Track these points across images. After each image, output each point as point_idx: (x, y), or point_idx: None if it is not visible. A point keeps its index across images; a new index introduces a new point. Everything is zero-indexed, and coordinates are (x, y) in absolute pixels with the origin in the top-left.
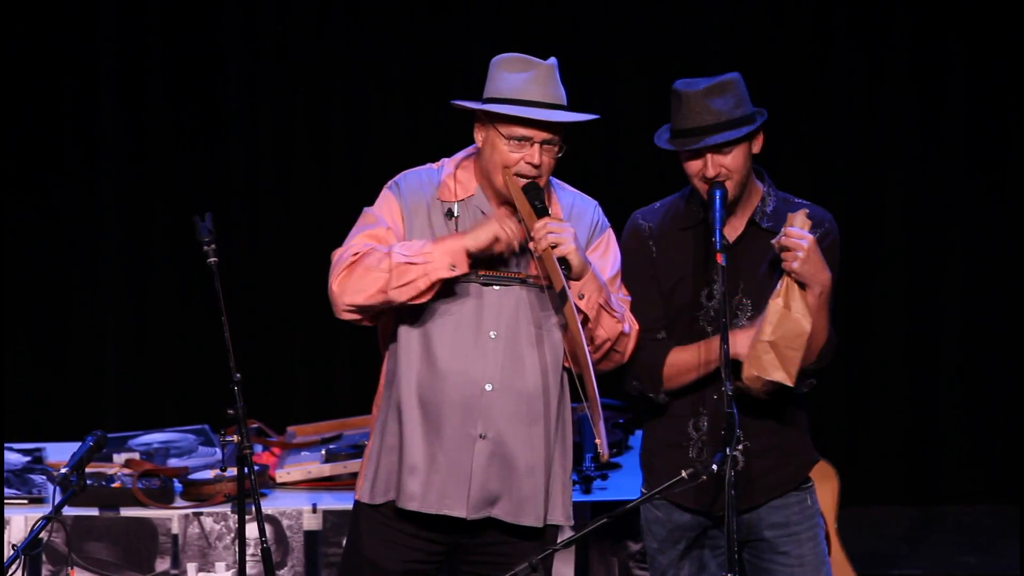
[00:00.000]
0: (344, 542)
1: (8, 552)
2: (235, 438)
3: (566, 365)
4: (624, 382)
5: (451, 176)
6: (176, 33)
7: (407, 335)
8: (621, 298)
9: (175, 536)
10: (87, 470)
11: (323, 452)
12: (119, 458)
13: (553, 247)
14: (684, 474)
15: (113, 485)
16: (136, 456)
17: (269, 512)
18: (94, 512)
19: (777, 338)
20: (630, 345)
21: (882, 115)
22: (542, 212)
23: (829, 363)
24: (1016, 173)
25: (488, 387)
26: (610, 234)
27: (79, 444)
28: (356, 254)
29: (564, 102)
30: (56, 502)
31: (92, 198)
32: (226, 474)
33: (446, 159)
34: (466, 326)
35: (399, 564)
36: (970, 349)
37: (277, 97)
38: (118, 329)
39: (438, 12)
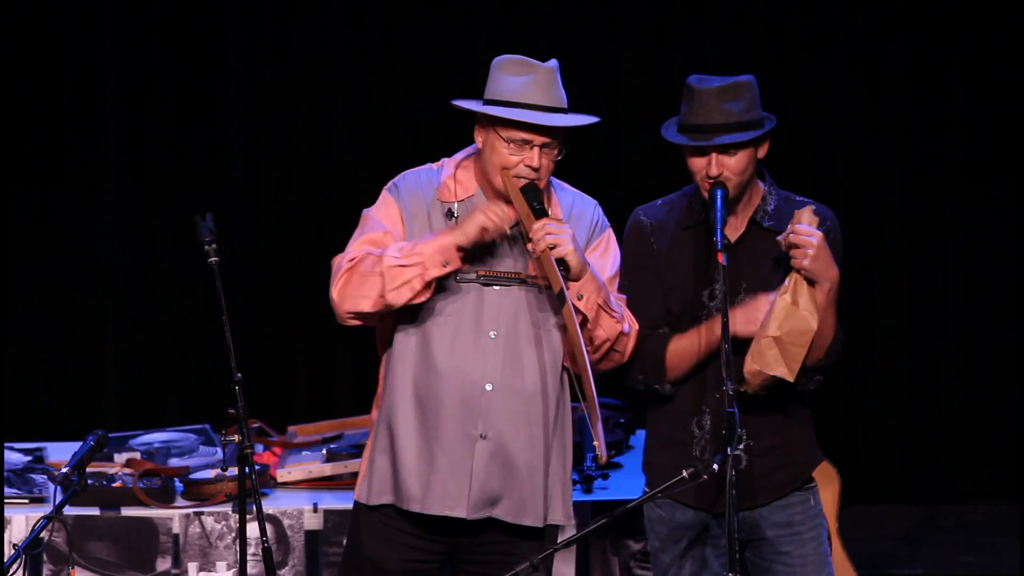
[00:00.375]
0: (344, 542)
1: (9, 552)
2: (236, 438)
3: (566, 365)
4: (629, 377)
5: (451, 177)
6: (177, 32)
7: (405, 336)
8: (619, 297)
9: (176, 536)
10: (88, 470)
11: (324, 452)
12: (120, 458)
13: (551, 248)
14: (685, 473)
15: (114, 485)
16: (137, 456)
17: (270, 512)
18: (95, 512)
19: (783, 334)
20: (630, 345)
21: (883, 114)
22: (541, 213)
23: (836, 359)
24: (1016, 173)
25: (488, 387)
26: (610, 234)
27: (80, 444)
28: (352, 260)
29: (564, 105)
30: (57, 502)
31: (93, 197)
32: (227, 474)
33: (446, 159)
34: (466, 326)
35: (400, 564)
36: (971, 349)
37: (278, 96)
38: (119, 328)
39: (439, 11)
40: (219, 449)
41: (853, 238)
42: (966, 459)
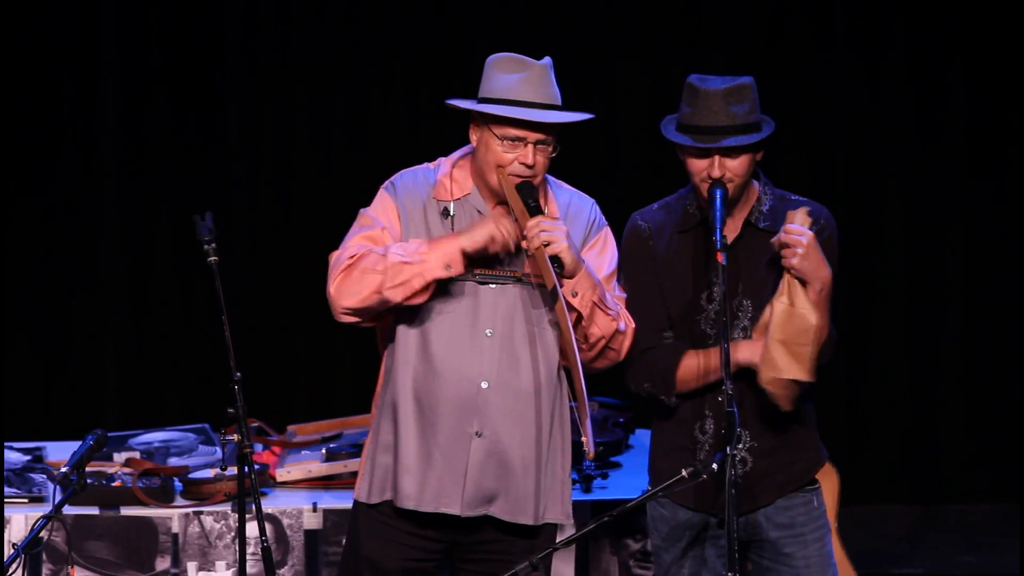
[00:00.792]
0: (343, 541)
1: (8, 551)
2: (235, 437)
3: (563, 363)
4: (633, 384)
5: (447, 175)
6: (177, 32)
7: (404, 334)
8: (617, 295)
9: (175, 535)
10: (87, 469)
11: (323, 451)
12: (119, 457)
13: (545, 245)
14: (684, 473)
15: (113, 484)
16: (136, 455)
17: (269, 511)
18: (94, 511)
19: (787, 336)
20: (626, 343)
21: (882, 114)
22: (535, 211)
23: (830, 359)
24: (1016, 172)
25: (484, 385)
26: (607, 232)
27: (79, 443)
28: (352, 256)
29: (558, 102)
30: (56, 501)
31: (93, 197)
32: (226, 473)
33: (443, 158)
34: (462, 324)
35: (398, 563)
36: (971, 348)
37: (278, 96)
38: (118, 328)
39: (438, 11)
40: (218, 448)
41: (852, 238)
42: (966, 458)
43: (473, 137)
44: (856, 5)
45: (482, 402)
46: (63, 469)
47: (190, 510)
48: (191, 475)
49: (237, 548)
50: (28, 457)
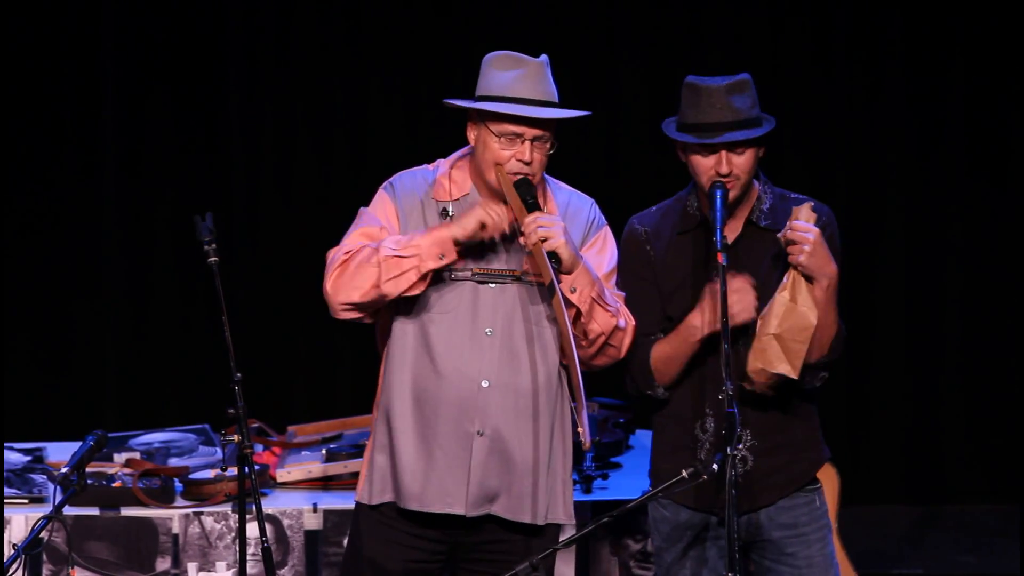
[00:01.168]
0: (345, 542)
1: (9, 552)
2: (236, 437)
3: (563, 363)
4: (627, 385)
5: (446, 176)
6: (177, 32)
7: (403, 336)
8: (616, 293)
9: (175, 536)
10: (88, 469)
11: (323, 452)
12: (120, 457)
13: (543, 241)
14: (684, 473)
15: (114, 484)
16: (137, 455)
17: (269, 511)
18: (95, 512)
19: (783, 331)
20: (626, 341)
21: (882, 114)
22: (534, 207)
23: (839, 355)
24: (1016, 172)
25: (484, 384)
26: (607, 231)
27: (79, 443)
28: (348, 252)
29: (555, 99)
30: (57, 501)
31: (93, 197)
32: (227, 473)
33: (441, 160)
34: (462, 324)
35: (400, 564)
36: (971, 348)
37: (278, 96)
38: (119, 328)
39: (438, 11)
40: (219, 449)
41: (853, 237)
42: (966, 459)
43: (471, 136)
44: (856, 7)
45: (483, 401)
46: (63, 470)
47: (190, 511)
48: (191, 476)
49: (237, 549)
50: (28, 458)
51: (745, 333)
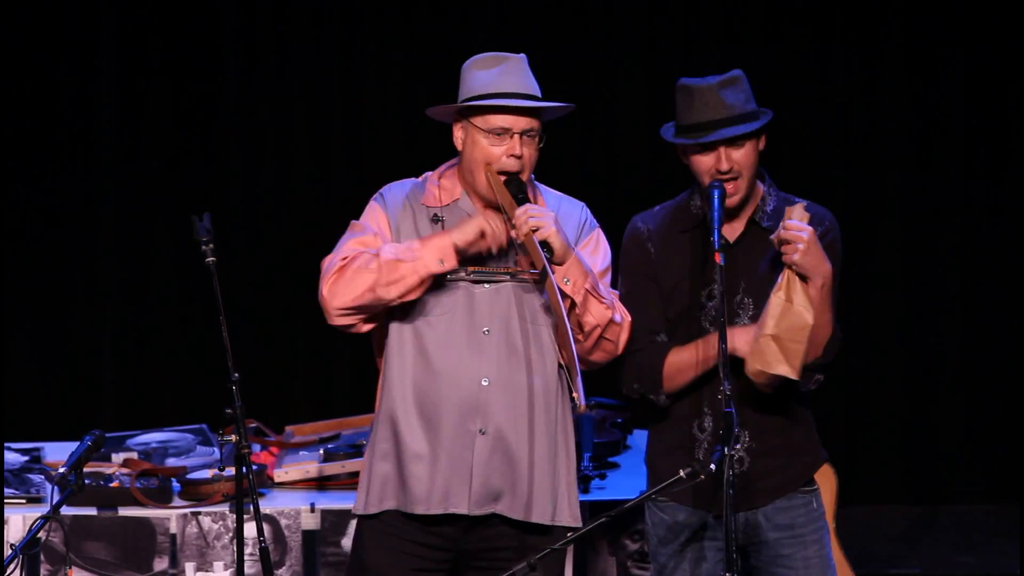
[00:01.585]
0: (343, 542)
1: (7, 551)
2: (233, 438)
3: (562, 363)
4: (624, 385)
5: (435, 184)
6: (175, 32)
7: (400, 341)
8: (611, 292)
9: (173, 536)
10: (85, 469)
11: (321, 452)
12: (117, 457)
13: (534, 231)
14: (682, 473)
15: (111, 485)
16: (134, 456)
17: (267, 512)
18: (92, 511)
19: (780, 331)
20: (623, 335)
21: (880, 116)
22: (523, 202)
23: (834, 357)
24: (1016, 173)
25: (484, 382)
26: (599, 232)
27: (77, 444)
28: (344, 258)
29: (538, 93)
30: (54, 501)
31: (91, 197)
32: (224, 474)
33: (429, 172)
34: (459, 324)
35: (406, 574)
36: (969, 349)
37: (276, 96)
38: (116, 328)
39: (436, 15)
40: (216, 449)
41: (851, 238)
42: (964, 459)
43: (458, 139)
44: (854, 7)
45: (484, 399)
46: (61, 470)
47: (188, 511)
48: (189, 476)
49: (235, 549)
50: (26, 457)
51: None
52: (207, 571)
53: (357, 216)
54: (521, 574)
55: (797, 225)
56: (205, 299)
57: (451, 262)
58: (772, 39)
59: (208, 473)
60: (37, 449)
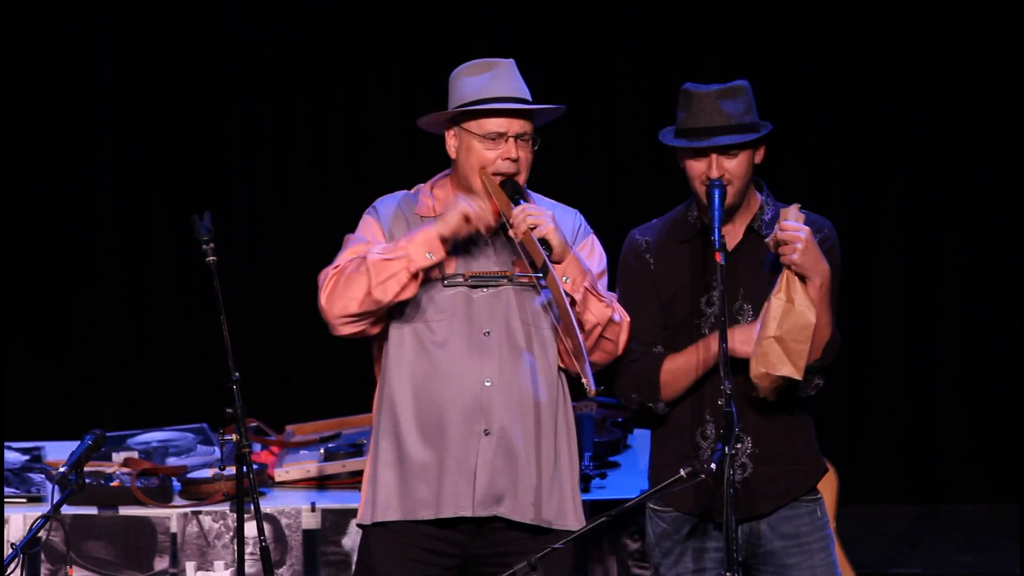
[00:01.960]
0: (343, 542)
1: (7, 551)
2: (234, 437)
3: (561, 366)
4: (622, 396)
5: (428, 195)
6: (175, 32)
7: (399, 345)
8: (609, 294)
9: (174, 535)
10: (86, 469)
11: (321, 451)
12: (118, 457)
13: (532, 229)
14: (682, 472)
15: (112, 484)
16: (135, 455)
17: (268, 511)
18: (93, 511)
19: (783, 332)
20: (622, 336)
21: (880, 118)
22: (520, 203)
23: (833, 360)
24: (1015, 174)
25: (487, 383)
26: (593, 238)
27: (78, 443)
28: (337, 267)
29: (529, 97)
30: (55, 501)
31: (91, 196)
32: (225, 473)
33: (420, 184)
34: (459, 327)
35: None
36: (969, 348)
37: (276, 95)
38: (117, 328)
39: (436, 17)
40: (217, 448)
41: (851, 239)
42: (964, 458)
43: (451, 147)
44: (854, 11)
45: (487, 400)
46: (61, 469)
47: (188, 510)
48: (189, 475)
49: (235, 548)
50: (26, 457)
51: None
52: (208, 570)
53: (357, 216)
54: (522, 574)
55: (793, 225)
56: (205, 299)
57: (439, 254)
58: (771, 42)
59: (209, 472)
60: (37, 448)
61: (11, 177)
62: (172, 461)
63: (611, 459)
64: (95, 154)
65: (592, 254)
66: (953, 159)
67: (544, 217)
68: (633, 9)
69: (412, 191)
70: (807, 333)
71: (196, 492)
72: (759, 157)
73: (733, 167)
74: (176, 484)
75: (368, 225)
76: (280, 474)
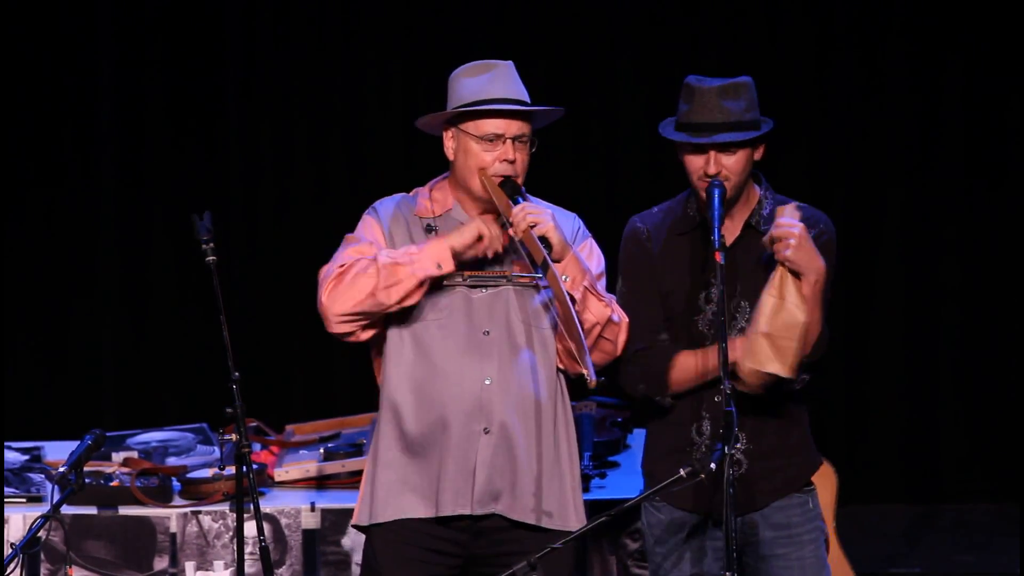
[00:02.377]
0: (342, 541)
1: (7, 550)
2: (233, 437)
3: (560, 366)
4: (628, 386)
5: (426, 197)
6: (175, 33)
7: (399, 345)
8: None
9: (173, 535)
10: (85, 468)
11: (321, 451)
12: (117, 456)
13: (532, 227)
14: (682, 472)
15: (111, 484)
16: (134, 455)
17: (267, 511)
18: (92, 511)
19: (772, 329)
20: (621, 336)
21: (881, 117)
22: (519, 203)
23: (820, 357)
24: (1015, 173)
25: (487, 381)
26: (592, 241)
27: (77, 443)
28: (342, 265)
29: (527, 99)
30: (54, 500)
31: (91, 196)
32: (224, 473)
33: (419, 187)
34: (459, 326)
35: None
36: (969, 348)
37: (276, 95)
38: (117, 328)
39: (436, 17)
40: (216, 448)
41: (850, 238)
42: (964, 458)
43: (449, 148)
44: (856, 9)
45: (487, 399)
46: (61, 469)
47: (188, 510)
48: (189, 475)
49: (235, 548)
50: (26, 457)
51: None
52: (207, 570)
53: (357, 216)
54: (521, 574)
55: (788, 222)
56: (205, 298)
57: (448, 266)
58: (772, 41)
59: (208, 472)
60: (37, 448)
61: (11, 177)
62: (172, 461)
63: (611, 459)
64: (95, 154)
65: (591, 256)
66: (954, 158)
67: (544, 215)
68: (633, 9)
69: (411, 194)
70: (796, 332)
71: (196, 492)
72: (758, 154)
73: (731, 164)
74: (176, 484)
75: (368, 225)
76: (280, 474)
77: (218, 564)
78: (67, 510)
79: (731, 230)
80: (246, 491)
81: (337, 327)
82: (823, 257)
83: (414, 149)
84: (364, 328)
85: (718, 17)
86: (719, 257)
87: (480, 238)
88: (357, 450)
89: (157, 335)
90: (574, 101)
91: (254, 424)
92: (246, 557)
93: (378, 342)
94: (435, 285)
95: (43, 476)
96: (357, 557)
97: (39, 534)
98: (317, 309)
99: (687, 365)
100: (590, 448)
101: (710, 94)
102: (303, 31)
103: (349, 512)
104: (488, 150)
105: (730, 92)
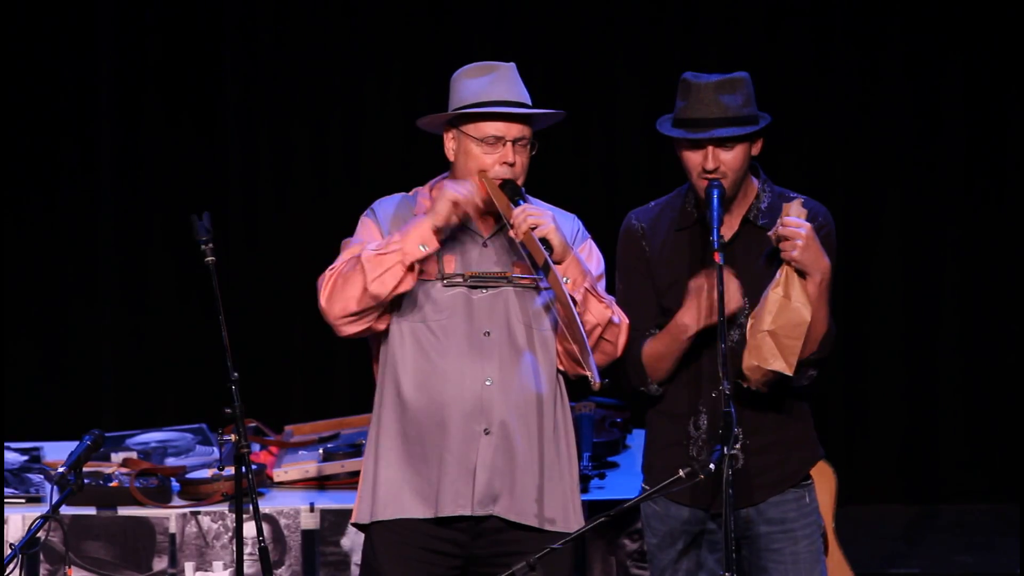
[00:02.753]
0: (341, 542)
1: (6, 551)
2: (233, 437)
3: (560, 368)
4: (624, 381)
5: (426, 197)
6: (174, 32)
7: (400, 345)
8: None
9: (172, 535)
10: (85, 469)
11: (320, 451)
12: (117, 457)
13: (533, 229)
14: (682, 473)
15: (111, 484)
16: (134, 455)
17: (266, 511)
18: (92, 511)
19: (777, 327)
20: (622, 337)
21: (880, 114)
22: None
23: (829, 353)
24: (1015, 173)
25: (488, 382)
26: (591, 243)
27: (77, 443)
28: (333, 269)
29: (528, 101)
30: (54, 501)
31: (90, 196)
32: (224, 473)
33: (418, 187)
34: (459, 327)
35: None
36: (968, 348)
37: (275, 95)
38: (116, 328)
39: (436, 16)
40: (216, 448)
41: (850, 237)
42: (963, 458)
43: (449, 149)
44: (854, 6)
45: (487, 399)
46: (60, 469)
47: (187, 510)
48: (188, 475)
49: (234, 548)
50: (25, 457)
51: (738, 330)
52: (206, 571)
53: (356, 217)
54: (521, 574)
55: (795, 221)
56: (205, 299)
57: (433, 244)
58: (772, 38)
59: (207, 473)
60: (37, 449)
61: (10, 176)
62: (171, 461)
63: (610, 459)
64: (94, 154)
65: (590, 257)
66: (954, 157)
67: (545, 217)
68: (634, 9)
69: (410, 193)
70: (800, 330)
71: (195, 492)
72: (756, 149)
73: (729, 159)
74: (175, 484)
75: (366, 227)
76: (279, 474)
77: (217, 565)
78: (66, 510)
79: (729, 225)
80: (245, 492)
81: (345, 329)
82: (825, 251)
83: (414, 149)
84: (377, 320)
85: (718, 17)
86: (718, 258)
87: (456, 203)
88: (356, 450)
89: (156, 335)
90: (574, 101)
91: (253, 424)
92: (245, 558)
93: (377, 343)
94: (435, 285)
95: (42, 476)
96: (356, 558)
97: (38, 534)
98: (321, 316)
99: (652, 348)
100: (589, 449)
101: (707, 89)
102: (303, 31)
103: (348, 513)
104: (488, 152)
105: (727, 87)
